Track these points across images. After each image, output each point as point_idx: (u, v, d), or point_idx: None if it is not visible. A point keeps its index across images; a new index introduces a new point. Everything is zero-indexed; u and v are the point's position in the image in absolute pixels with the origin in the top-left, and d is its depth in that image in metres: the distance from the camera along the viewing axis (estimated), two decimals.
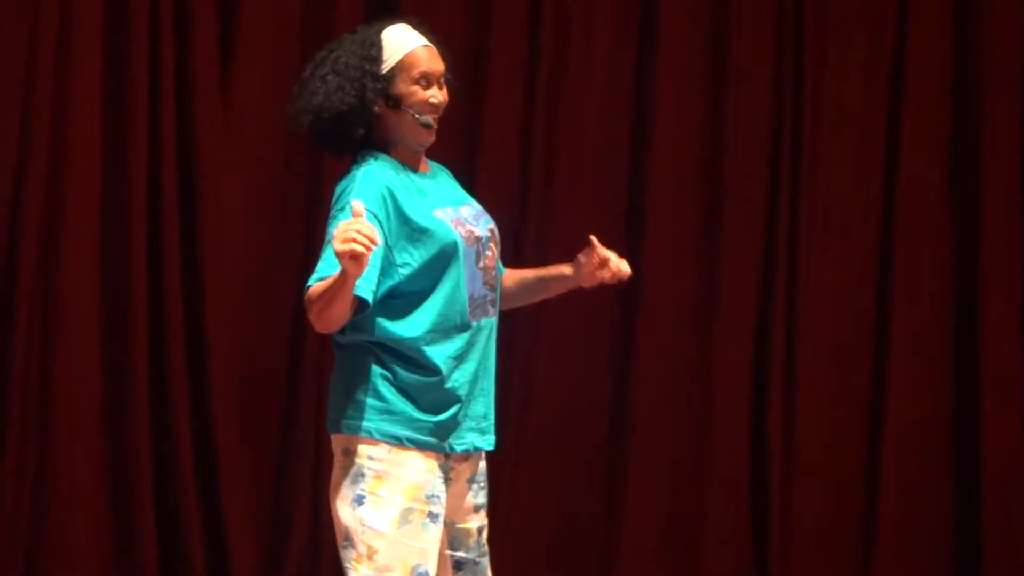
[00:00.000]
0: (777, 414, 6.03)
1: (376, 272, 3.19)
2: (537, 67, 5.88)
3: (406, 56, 3.34)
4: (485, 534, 3.48)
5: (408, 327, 3.27)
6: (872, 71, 6.16)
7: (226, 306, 5.65)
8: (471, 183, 5.72)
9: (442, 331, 3.29)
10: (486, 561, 3.49)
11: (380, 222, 3.21)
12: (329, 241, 3.12)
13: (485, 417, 3.37)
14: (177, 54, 5.55)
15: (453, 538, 3.39)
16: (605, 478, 5.95)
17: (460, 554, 3.42)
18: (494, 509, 5.63)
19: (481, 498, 3.46)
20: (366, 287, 3.16)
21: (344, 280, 3.03)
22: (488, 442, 3.40)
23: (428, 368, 3.28)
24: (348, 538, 3.28)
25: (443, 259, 3.29)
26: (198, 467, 5.55)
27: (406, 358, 3.27)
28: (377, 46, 3.34)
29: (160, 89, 5.51)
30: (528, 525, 5.81)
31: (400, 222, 3.26)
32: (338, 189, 3.32)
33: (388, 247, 3.23)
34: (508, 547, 5.65)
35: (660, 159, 6.00)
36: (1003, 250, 6.16)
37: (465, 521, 3.42)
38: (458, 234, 3.30)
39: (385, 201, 3.25)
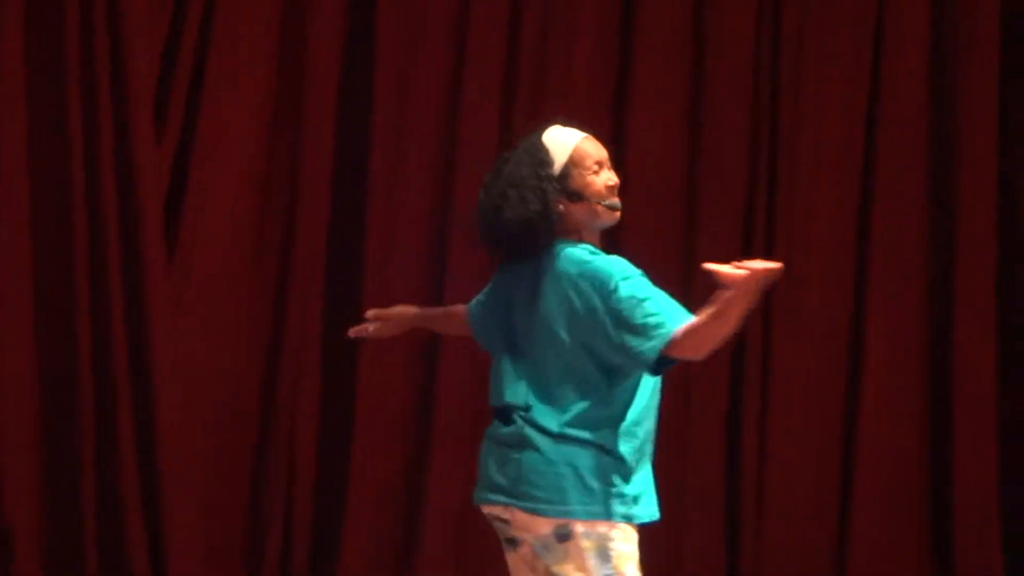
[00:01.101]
0: (751, 427, 6.12)
1: None
2: (515, 88, 5.97)
3: (574, 152, 3.53)
4: None
5: (629, 408, 3.45)
6: (852, 90, 6.27)
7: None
8: (450, 195, 5.87)
9: (646, 411, 3.49)
10: None
11: None
12: (648, 298, 3.34)
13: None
14: (113, 83, 5.51)
15: None
16: None
17: None
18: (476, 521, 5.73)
19: None
20: None
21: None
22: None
23: (638, 446, 3.46)
24: None
25: None
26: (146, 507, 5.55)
27: (623, 438, 3.43)
28: (544, 150, 3.51)
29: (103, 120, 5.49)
30: None
31: None
32: (592, 271, 3.41)
33: None
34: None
35: (636, 182, 6.00)
36: (978, 273, 6.25)
37: None
38: None
39: None
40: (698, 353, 3.33)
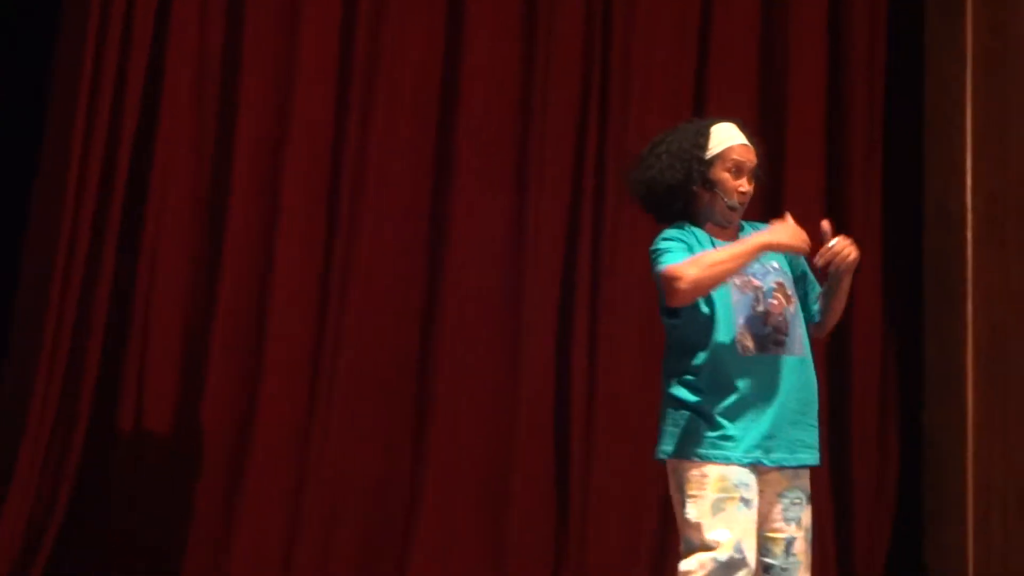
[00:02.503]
0: (581, 374, 6.19)
1: None
2: (350, 71, 6.00)
3: (727, 149, 3.99)
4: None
5: (692, 360, 3.91)
6: (680, 38, 6.41)
7: None
8: (281, 169, 5.84)
9: (715, 363, 3.89)
10: None
11: (688, 246, 3.88)
12: (666, 249, 3.86)
13: (772, 437, 3.87)
14: None
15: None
16: (412, 433, 6.02)
17: None
18: (309, 463, 5.69)
19: (794, 512, 3.98)
20: None
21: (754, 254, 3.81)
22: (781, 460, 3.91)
23: (710, 396, 3.88)
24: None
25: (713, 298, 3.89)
26: None
27: (687, 388, 3.91)
28: (706, 136, 4.01)
29: None
30: (339, 475, 5.88)
31: None
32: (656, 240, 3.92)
33: None
34: (321, 496, 5.80)
35: (467, 151, 6.14)
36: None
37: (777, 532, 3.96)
38: (731, 282, 3.88)
39: (688, 238, 3.91)
40: (697, 280, 3.77)
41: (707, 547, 3.74)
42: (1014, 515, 6.03)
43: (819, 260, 3.93)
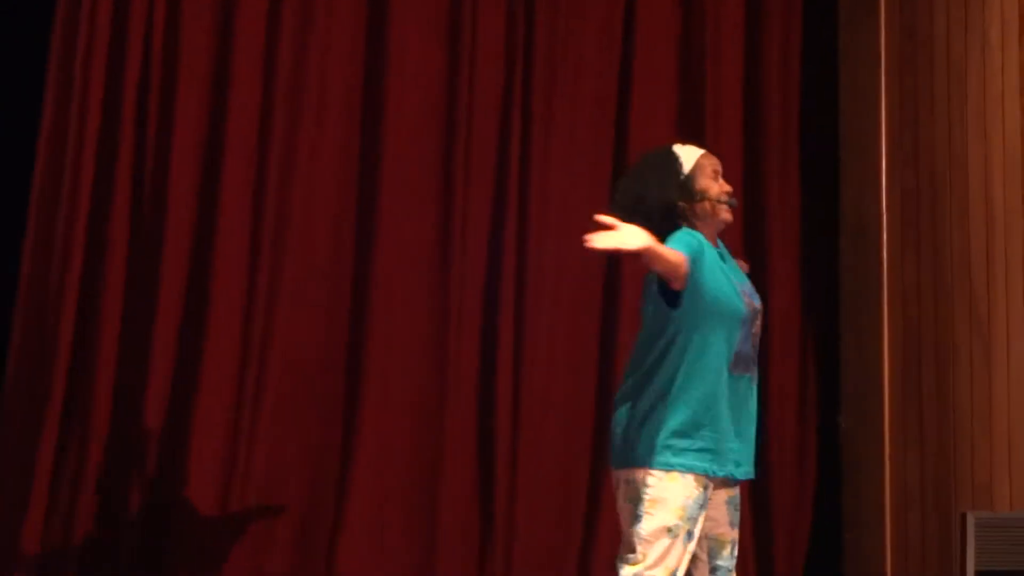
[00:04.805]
0: (506, 377, 6.19)
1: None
2: (274, 80, 6.01)
3: (698, 161, 4.18)
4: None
5: (669, 371, 3.98)
6: (602, 43, 6.45)
7: None
8: (218, 175, 5.82)
9: (692, 377, 3.98)
10: None
11: (697, 257, 3.98)
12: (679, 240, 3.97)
13: (741, 451, 4.04)
14: None
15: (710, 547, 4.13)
16: (340, 434, 6.00)
17: None
18: (240, 460, 5.69)
19: (735, 516, 4.16)
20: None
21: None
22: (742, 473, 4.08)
23: (686, 407, 3.97)
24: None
25: (729, 318, 4.01)
26: None
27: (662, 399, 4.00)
28: (675, 157, 4.17)
29: None
30: (269, 474, 5.87)
31: (708, 270, 4.00)
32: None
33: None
34: (250, 492, 5.80)
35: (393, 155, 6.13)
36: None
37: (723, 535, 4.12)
38: (745, 304, 4.06)
39: (703, 248, 4.02)
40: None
41: (647, 567, 3.88)
42: (931, 521, 6.04)
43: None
